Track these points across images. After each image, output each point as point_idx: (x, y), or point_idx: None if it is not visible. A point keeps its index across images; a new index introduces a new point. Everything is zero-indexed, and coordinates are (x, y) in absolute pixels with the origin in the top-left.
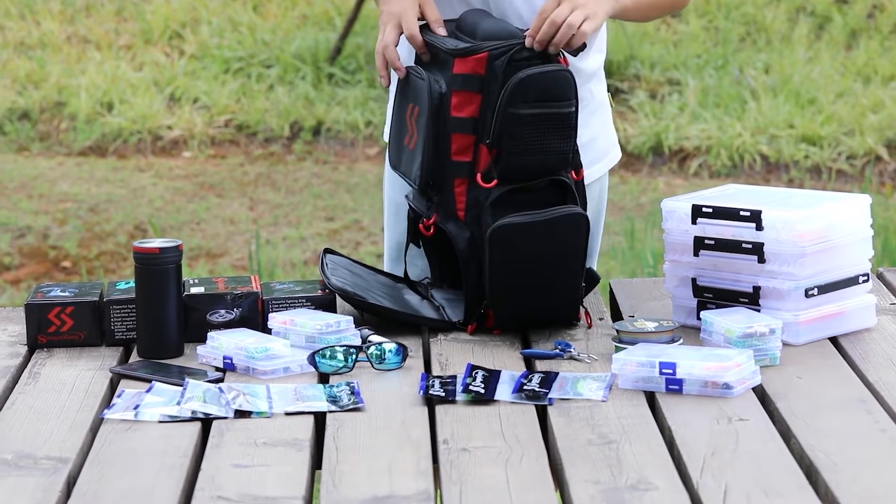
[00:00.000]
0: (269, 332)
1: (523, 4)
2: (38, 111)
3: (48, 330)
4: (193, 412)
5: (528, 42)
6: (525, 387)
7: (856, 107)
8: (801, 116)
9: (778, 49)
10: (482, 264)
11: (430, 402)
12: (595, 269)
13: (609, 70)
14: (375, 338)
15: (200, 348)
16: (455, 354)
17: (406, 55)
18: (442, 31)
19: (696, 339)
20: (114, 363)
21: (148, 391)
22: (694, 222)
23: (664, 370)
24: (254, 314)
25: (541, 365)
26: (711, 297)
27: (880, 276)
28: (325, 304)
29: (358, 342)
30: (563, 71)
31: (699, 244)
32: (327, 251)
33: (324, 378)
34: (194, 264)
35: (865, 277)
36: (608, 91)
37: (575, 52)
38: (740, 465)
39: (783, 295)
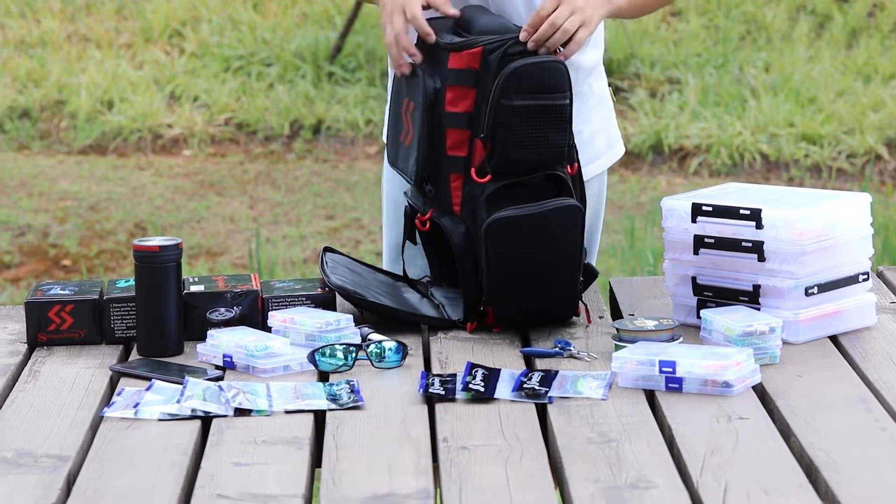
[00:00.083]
0: (268, 330)
1: (522, 2)
2: (39, 109)
3: (48, 328)
4: (193, 410)
5: (523, 37)
6: (525, 385)
7: (856, 106)
8: (802, 115)
9: (778, 48)
10: (478, 259)
11: (430, 400)
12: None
13: (609, 68)
14: (375, 336)
15: (200, 346)
16: (455, 353)
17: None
18: (453, 11)
19: (695, 337)
20: (114, 361)
21: (148, 389)
22: (694, 221)
23: (664, 369)
24: (254, 312)
25: (541, 363)
26: (711, 295)
27: (880, 275)
28: (325, 302)
29: (358, 340)
30: (556, 62)
31: (699, 243)
32: (327, 249)
33: (324, 376)
34: (194, 263)
35: (865, 276)
36: (609, 87)
37: (565, 57)
38: (740, 464)
39: (783, 293)
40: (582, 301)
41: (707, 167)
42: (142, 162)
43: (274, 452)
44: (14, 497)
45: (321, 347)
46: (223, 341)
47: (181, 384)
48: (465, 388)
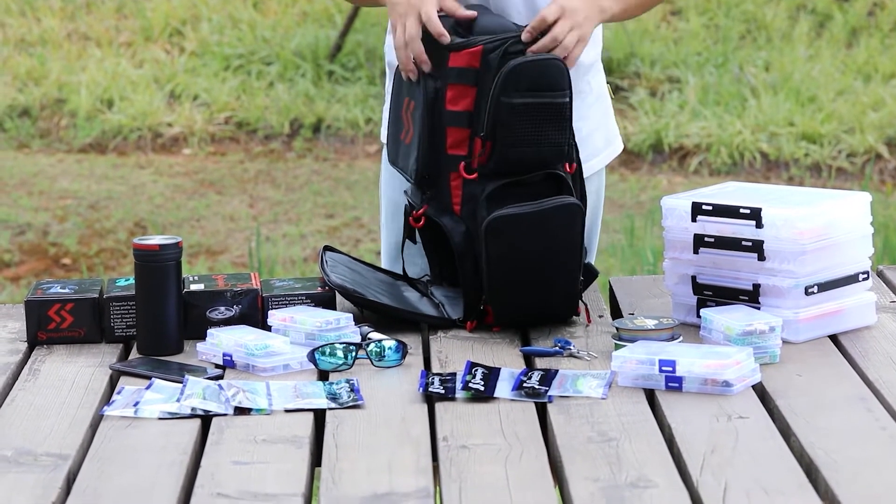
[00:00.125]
0: (268, 329)
1: (522, 2)
2: (39, 108)
3: (48, 326)
4: (193, 409)
5: (525, 38)
6: (525, 384)
7: (856, 105)
8: (802, 114)
9: (778, 47)
10: (478, 258)
11: (430, 399)
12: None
13: (609, 67)
14: (375, 335)
15: (200, 345)
16: (455, 352)
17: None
18: (468, 13)
19: (695, 336)
20: (114, 360)
21: (148, 388)
22: (694, 220)
23: (664, 368)
24: (253, 311)
25: (540, 362)
26: (711, 294)
27: (880, 274)
28: (325, 301)
29: (358, 339)
30: (556, 60)
31: (699, 242)
32: (327, 248)
33: (323, 375)
34: (194, 261)
35: (865, 275)
36: (607, 84)
37: None
38: (740, 463)
39: (783, 292)
40: (582, 300)
41: (707, 166)
42: (142, 160)
43: (274, 451)
44: (14, 496)
45: (321, 346)
46: (223, 340)
47: (181, 383)
48: (465, 387)
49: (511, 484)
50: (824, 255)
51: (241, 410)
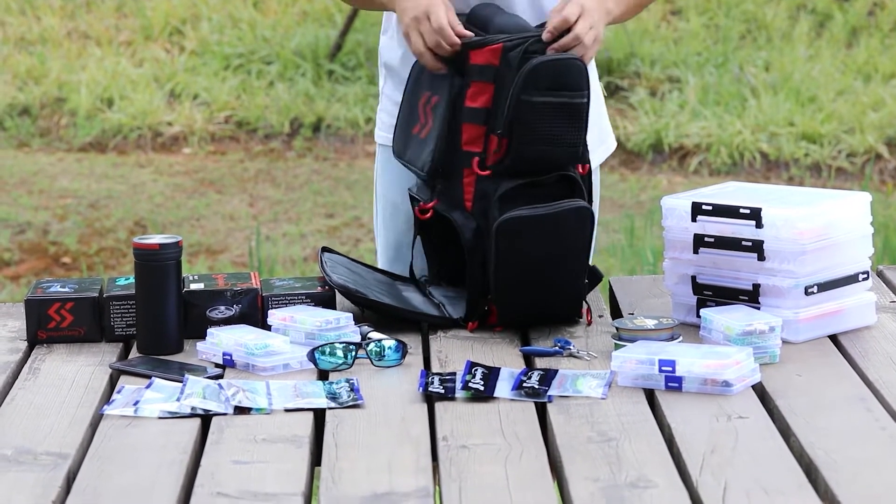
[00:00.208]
0: (268, 328)
1: (528, 3)
2: (39, 107)
3: (48, 326)
4: (193, 408)
5: (545, 37)
6: (524, 384)
7: (856, 105)
8: (802, 114)
9: (778, 47)
10: (487, 257)
11: (430, 399)
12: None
13: (609, 67)
14: (375, 335)
15: (200, 345)
16: (454, 351)
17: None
18: (466, 32)
19: (695, 336)
20: (113, 359)
21: (148, 387)
22: (694, 220)
23: (664, 368)
24: (253, 311)
25: (540, 362)
26: (711, 294)
27: (880, 274)
28: (325, 300)
29: (357, 339)
30: (576, 60)
31: (699, 242)
32: (325, 249)
33: (323, 375)
34: (194, 261)
35: (865, 275)
36: (599, 81)
37: None
38: (740, 463)
39: (783, 292)
40: (586, 302)
41: (707, 166)
42: (142, 160)
43: (274, 451)
44: (14, 495)
45: (321, 346)
46: (223, 339)
47: (181, 382)
48: (465, 386)
49: (511, 484)
50: (824, 255)
51: (240, 410)
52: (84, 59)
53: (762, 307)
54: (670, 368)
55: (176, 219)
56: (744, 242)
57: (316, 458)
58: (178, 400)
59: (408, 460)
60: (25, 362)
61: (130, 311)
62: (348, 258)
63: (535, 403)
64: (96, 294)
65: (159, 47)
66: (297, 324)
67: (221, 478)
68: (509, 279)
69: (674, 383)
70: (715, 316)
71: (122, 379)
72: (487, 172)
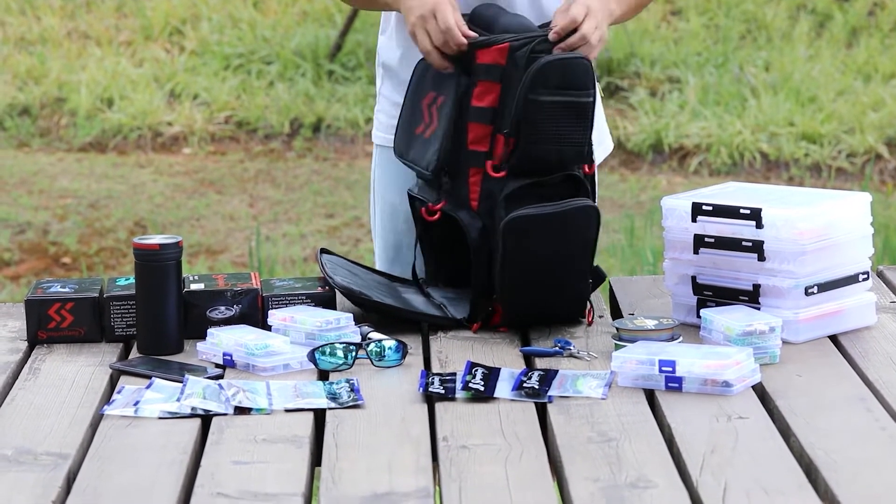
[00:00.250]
0: (268, 328)
1: (528, 3)
2: (39, 107)
3: (48, 326)
4: (193, 408)
5: (552, 37)
6: (525, 384)
7: (856, 105)
8: (802, 114)
9: (778, 47)
10: (493, 256)
11: (430, 399)
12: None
13: (609, 67)
14: (375, 335)
15: (200, 345)
16: (455, 352)
17: (405, 46)
18: (471, 32)
19: (695, 336)
20: (114, 359)
21: (148, 387)
22: (694, 220)
23: (664, 368)
24: (254, 311)
25: (540, 362)
26: (711, 294)
27: (880, 275)
28: (325, 300)
29: (358, 339)
30: (583, 59)
31: (699, 242)
32: (323, 251)
33: (323, 375)
34: (194, 261)
35: (865, 275)
36: (599, 81)
37: None
38: (740, 463)
39: (783, 293)
40: (589, 302)
41: (707, 166)
42: (142, 160)
43: (274, 451)
44: (14, 495)
45: (321, 346)
46: (223, 340)
47: (181, 382)
48: (465, 387)
49: (511, 484)
50: (824, 256)
51: (241, 410)
52: (84, 59)
53: (762, 307)
54: (670, 369)
55: (176, 219)
56: (744, 243)
57: (316, 459)
58: (178, 400)
59: (408, 460)
60: (26, 362)
61: (131, 311)
62: (347, 259)
63: (536, 404)
64: (96, 294)
65: (159, 47)
66: (298, 324)
67: (221, 478)
68: (516, 278)
69: (674, 384)
70: (715, 316)
71: (123, 379)
72: (502, 174)
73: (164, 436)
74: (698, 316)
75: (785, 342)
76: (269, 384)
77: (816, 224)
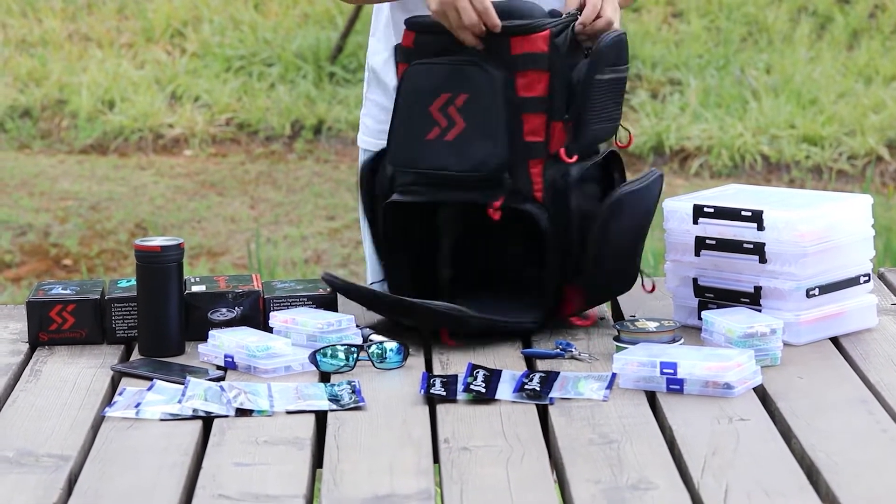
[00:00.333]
0: (270, 330)
1: None
2: (40, 109)
3: (49, 327)
4: (195, 410)
5: (578, 28)
6: (526, 386)
7: (857, 107)
8: (803, 117)
9: (779, 49)
10: (570, 245)
11: (431, 401)
12: None
13: None
14: (377, 337)
15: (202, 347)
16: (456, 353)
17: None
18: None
19: (697, 338)
20: (115, 361)
21: (149, 389)
22: (695, 222)
23: (665, 370)
24: (255, 313)
25: (542, 364)
26: (712, 296)
27: (881, 277)
28: (327, 302)
29: (359, 341)
30: (623, 34)
31: (700, 244)
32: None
33: (325, 377)
34: (195, 263)
35: (867, 278)
36: None
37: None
38: (741, 465)
39: (784, 295)
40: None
41: (708, 168)
42: (143, 162)
43: (275, 453)
44: (15, 496)
45: (322, 348)
46: (224, 341)
47: (182, 384)
48: (467, 388)
49: (512, 486)
50: (825, 258)
51: (242, 412)
52: (85, 61)
53: (763, 309)
54: (672, 371)
55: (177, 221)
56: (745, 245)
57: (317, 460)
58: (179, 402)
59: (409, 462)
60: (27, 364)
61: (132, 313)
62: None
63: (537, 405)
64: (98, 296)
65: (160, 49)
66: (299, 326)
67: (223, 480)
68: (606, 258)
69: (675, 385)
70: (716, 318)
71: (124, 381)
72: (574, 159)
73: (165, 437)
74: (699, 318)
75: (786, 344)
76: (271, 386)
77: (818, 226)
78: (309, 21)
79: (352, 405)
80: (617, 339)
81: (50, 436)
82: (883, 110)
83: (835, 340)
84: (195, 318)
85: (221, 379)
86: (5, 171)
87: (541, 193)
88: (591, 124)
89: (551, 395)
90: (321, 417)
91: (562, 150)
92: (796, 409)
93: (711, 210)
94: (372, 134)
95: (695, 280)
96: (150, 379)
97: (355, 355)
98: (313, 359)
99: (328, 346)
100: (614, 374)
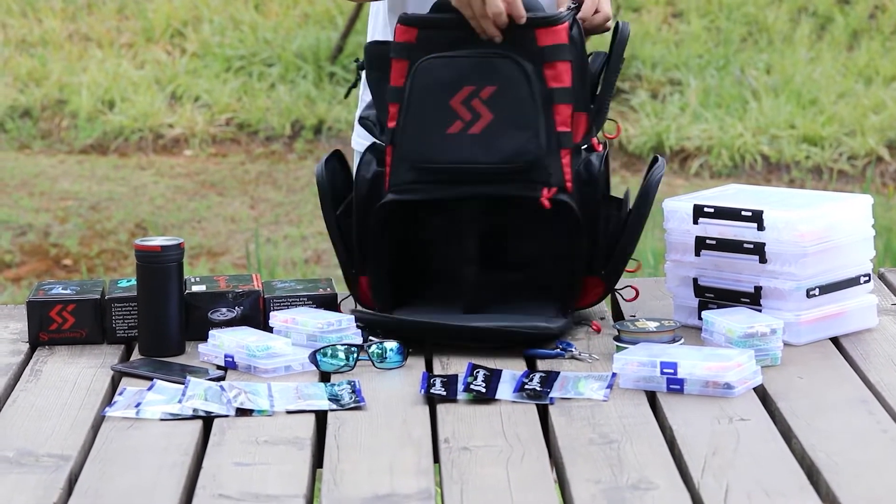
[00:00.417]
0: (270, 330)
1: None
2: (40, 109)
3: (50, 327)
4: (195, 410)
5: (582, 22)
6: (526, 386)
7: (857, 107)
8: (803, 117)
9: (779, 49)
10: (597, 234)
11: (432, 400)
12: None
13: None
14: (377, 337)
15: (202, 346)
16: (456, 353)
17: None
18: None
19: (697, 338)
20: (115, 361)
21: (149, 389)
22: (695, 222)
23: (665, 370)
24: (255, 312)
25: (542, 364)
26: (713, 296)
27: (881, 277)
28: (327, 302)
29: (359, 341)
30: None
31: (700, 244)
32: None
33: (325, 377)
34: (195, 263)
35: (867, 278)
36: None
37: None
38: (741, 465)
39: (784, 295)
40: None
41: (708, 168)
42: (143, 162)
43: (275, 452)
44: (15, 496)
45: (323, 348)
46: (225, 341)
47: (183, 384)
48: (467, 388)
49: (512, 486)
50: (826, 258)
51: (242, 412)
52: (85, 61)
53: (764, 309)
54: (672, 371)
55: (177, 221)
56: (745, 245)
57: (317, 460)
58: (179, 402)
59: (409, 462)
60: (27, 364)
61: (132, 312)
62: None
63: (537, 405)
64: (98, 296)
65: (160, 49)
66: (299, 326)
67: (223, 479)
68: (631, 244)
69: (675, 385)
70: (716, 318)
71: (124, 381)
72: (600, 148)
73: (165, 437)
74: (700, 318)
75: (786, 344)
76: (271, 386)
77: (818, 226)
78: (309, 21)
79: (352, 405)
80: (617, 339)
81: (50, 436)
82: (883, 111)
83: (835, 340)
84: (195, 318)
85: (221, 379)
86: (5, 171)
87: (570, 184)
88: (605, 114)
89: (551, 394)
90: (321, 417)
91: (594, 140)
92: (796, 409)
93: (711, 210)
94: (368, 137)
95: (695, 280)
96: (151, 379)
97: (355, 355)
98: (313, 358)
99: (328, 346)
100: (614, 374)
